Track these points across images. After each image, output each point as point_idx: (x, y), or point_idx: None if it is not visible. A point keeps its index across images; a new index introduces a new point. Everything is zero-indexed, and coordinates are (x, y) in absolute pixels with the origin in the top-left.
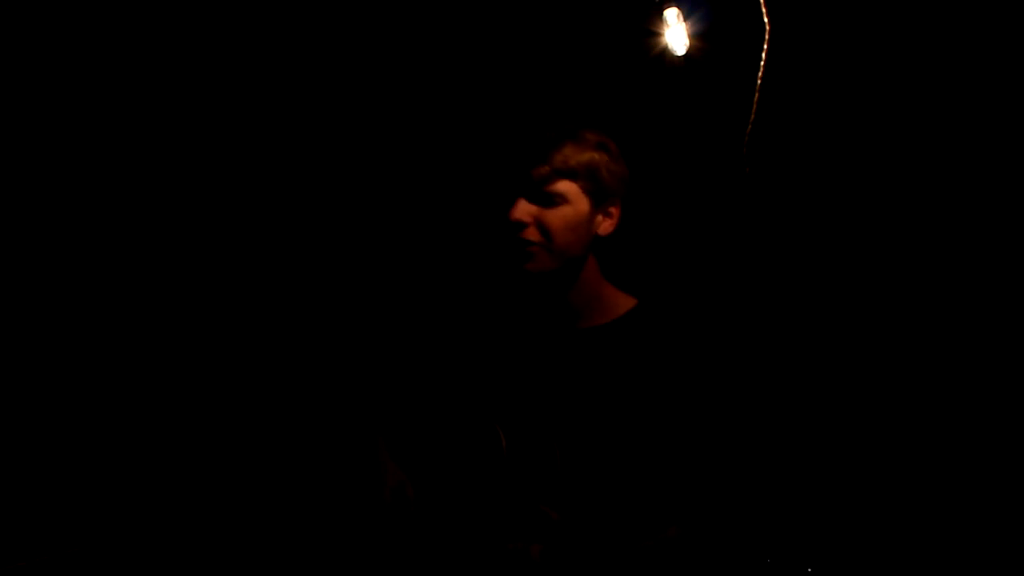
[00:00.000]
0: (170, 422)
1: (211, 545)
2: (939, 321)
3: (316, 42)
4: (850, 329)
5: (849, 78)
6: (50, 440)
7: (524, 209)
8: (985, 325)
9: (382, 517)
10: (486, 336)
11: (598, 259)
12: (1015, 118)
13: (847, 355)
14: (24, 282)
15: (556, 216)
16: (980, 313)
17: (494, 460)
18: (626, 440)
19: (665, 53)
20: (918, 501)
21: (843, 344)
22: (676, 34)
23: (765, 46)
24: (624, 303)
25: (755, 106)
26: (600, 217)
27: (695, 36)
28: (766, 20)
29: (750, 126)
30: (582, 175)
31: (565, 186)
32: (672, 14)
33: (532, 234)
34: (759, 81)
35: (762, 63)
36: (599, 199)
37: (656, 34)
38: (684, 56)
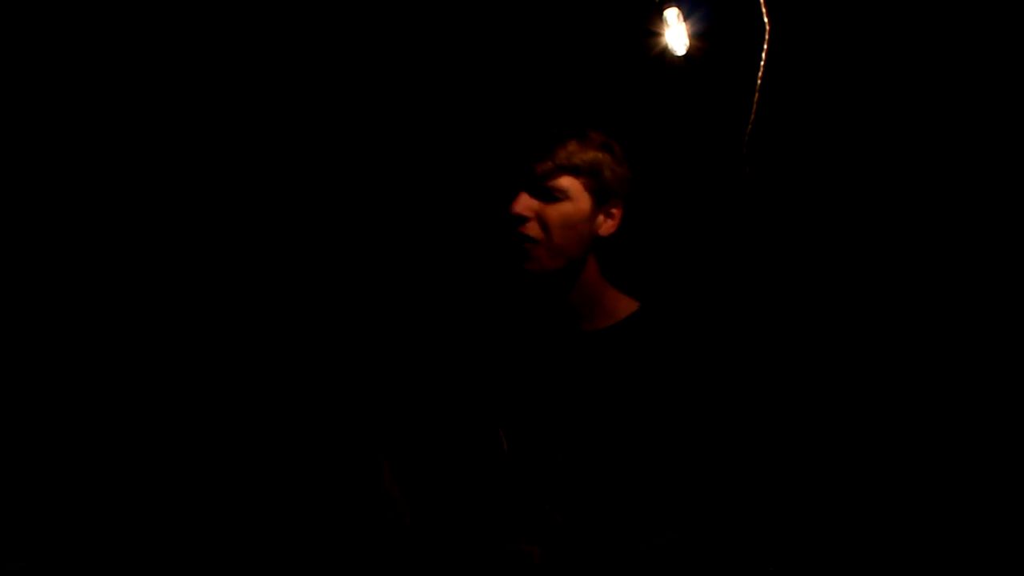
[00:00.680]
0: (171, 422)
1: (211, 548)
2: (940, 321)
3: (325, 38)
4: (852, 330)
5: (849, 78)
6: (50, 440)
7: (525, 203)
8: (986, 324)
9: (382, 533)
10: (488, 338)
11: (600, 262)
12: (1015, 118)
13: (850, 357)
14: (24, 282)
15: (557, 212)
16: (980, 312)
17: (495, 463)
18: (627, 444)
19: (665, 53)
20: (922, 507)
21: (846, 346)
22: (676, 34)
23: (765, 46)
24: (626, 306)
25: (755, 106)
26: (602, 217)
27: (695, 36)
28: (766, 20)
29: (750, 126)
30: (585, 172)
31: (567, 182)
32: (672, 14)
33: (532, 229)
34: (759, 81)
35: (762, 63)
36: (601, 198)
37: (656, 34)
38: (684, 56)
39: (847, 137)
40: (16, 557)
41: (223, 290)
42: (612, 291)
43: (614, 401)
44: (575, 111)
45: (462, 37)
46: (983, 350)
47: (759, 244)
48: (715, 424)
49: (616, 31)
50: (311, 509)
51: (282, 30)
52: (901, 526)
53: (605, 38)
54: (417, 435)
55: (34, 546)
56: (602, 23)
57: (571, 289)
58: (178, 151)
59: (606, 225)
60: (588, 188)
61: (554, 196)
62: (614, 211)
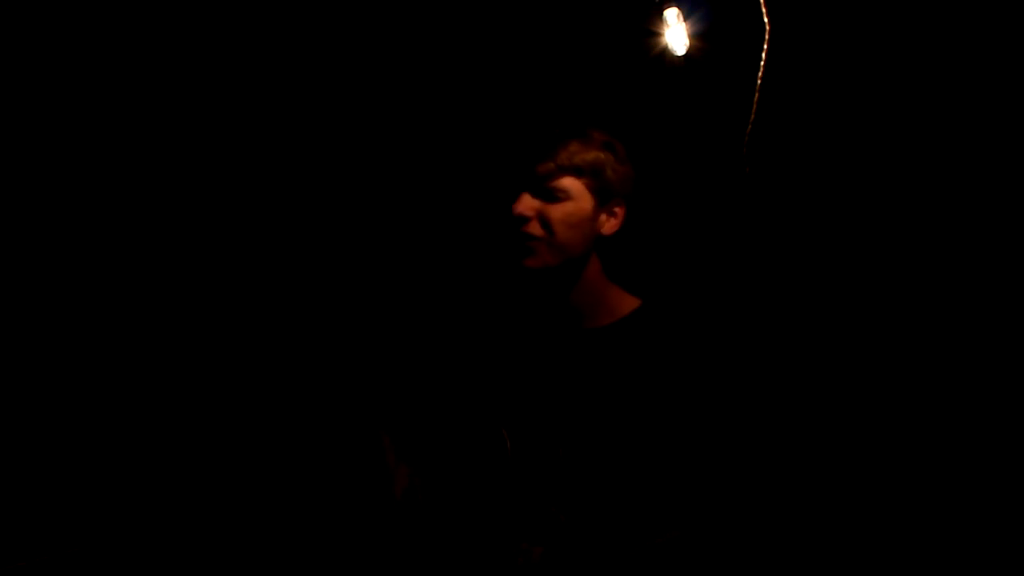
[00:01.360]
0: (171, 422)
1: (213, 546)
2: (941, 321)
3: (327, 39)
4: (853, 329)
5: (849, 78)
6: (50, 440)
7: (527, 203)
8: (987, 322)
9: (392, 516)
10: (490, 336)
11: (602, 260)
12: (1015, 118)
13: (851, 356)
14: (25, 282)
15: (559, 211)
16: (981, 311)
17: (499, 461)
18: (630, 441)
19: (665, 53)
20: (923, 505)
21: (846, 344)
22: (676, 34)
23: (765, 46)
24: (628, 304)
25: (755, 106)
26: (604, 216)
27: (695, 36)
28: (766, 20)
29: (750, 126)
30: (587, 172)
31: (569, 182)
32: (672, 14)
33: (534, 228)
34: (759, 81)
35: (762, 63)
36: (603, 198)
37: (656, 34)
38: (684, 56)
39: (847, 137)
40: (16, 557)
41: (224, 290)
42: (614, 289)
43: (616, 398)
44: (576, 111)
45: (464, 38)
46: (983, 350)
47: (759, 242)
48: (717, 421)
49: (616, 31)
50: (316, 500)
51: (283, 31)
52: (901, 524)
53: (606, 38)
54: (420, 433)
55: (34, 546)
56: (603, 23)
57: (573, 287)
58: (178, 151)
59: (609, 224)
60: (590, 188)
61: (556, 196)
62: (617, 210)
